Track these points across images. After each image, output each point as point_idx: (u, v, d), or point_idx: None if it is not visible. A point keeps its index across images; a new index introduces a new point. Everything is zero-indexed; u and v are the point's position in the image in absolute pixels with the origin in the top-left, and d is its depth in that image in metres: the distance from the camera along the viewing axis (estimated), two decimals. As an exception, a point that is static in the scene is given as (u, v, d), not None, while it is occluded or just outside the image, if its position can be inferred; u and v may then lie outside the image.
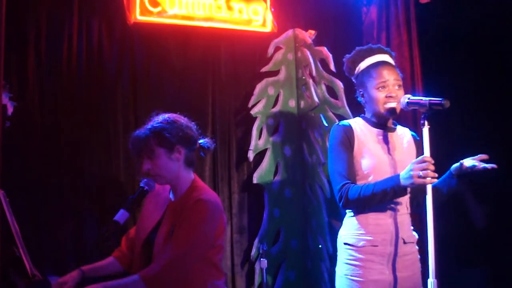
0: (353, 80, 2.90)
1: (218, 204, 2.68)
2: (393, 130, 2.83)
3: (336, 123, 2.86)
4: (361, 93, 2.82)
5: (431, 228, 2.36)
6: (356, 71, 2.84)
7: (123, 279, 2.52)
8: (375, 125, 2.79)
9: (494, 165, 2.59)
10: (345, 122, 2.83)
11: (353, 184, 2.64)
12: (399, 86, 2.71)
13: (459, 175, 2.68)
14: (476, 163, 2.61)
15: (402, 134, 2.87)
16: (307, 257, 4.24)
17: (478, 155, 2.64)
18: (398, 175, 2.48)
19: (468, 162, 2.64)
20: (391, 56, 2.86)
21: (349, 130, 2.75)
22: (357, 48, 2.89)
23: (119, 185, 3.78)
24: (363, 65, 2.81)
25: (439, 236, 2.40)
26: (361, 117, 2.87)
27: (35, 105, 3.59)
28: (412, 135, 2.92)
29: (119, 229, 2.51)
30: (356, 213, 2.73)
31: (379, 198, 2.56)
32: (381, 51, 2.84)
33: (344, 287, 2.72)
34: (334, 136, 2.76)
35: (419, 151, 2.84)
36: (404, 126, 2.96)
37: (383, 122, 2.79)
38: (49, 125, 3.62)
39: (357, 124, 2.80)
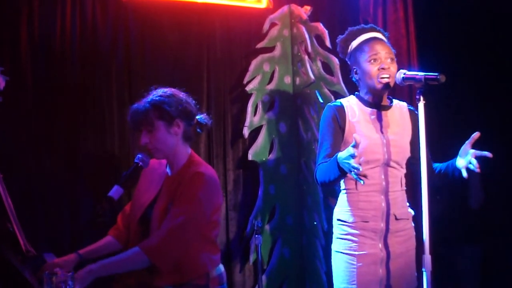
0: (347, 61, 2.92)
1: (215, 179, 2.69)
2: (388, 107, 2.82)
3: (329, 103, 2.87)
4: (355, 70, 2.82)
5: (426, 205, 2.37)
6: (349, 50, 2.86)
7: (123, 253, 2.53)
8: (369, 104, 2.79)
9: (488, 154, 2.56)
10: (337, 101, 2.84)
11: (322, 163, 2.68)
12: (392, 59, 2.71)
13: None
14: (472, 159, 2.57)
15: (398, 110, 2.85)
16: (302, 233, 4.26)
17: (471, 137, 2.61)
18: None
19: (462, 162, 2.62)
20: (383, 35, 2.87)
21: (340, 110, 2.76)
22: (350, 28, 2.90)
23: (114, 162, 3.77)
24: (355, 42, 2.83)
25: (433, 213, 2.41)
26: (355, 95, 2.86)
27: (28, 81, 3.55)
28: (410, 109, 2.91)
29: (114, 205, 2.51)
30: (348, 190, 2.77)
31: (335, 180, 2.61)
32: (373, 30, 2.86)
33: (339, 262, 2.77)
34: (325, 116, 2.79)
35: (416, 125, 2.84)
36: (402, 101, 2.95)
37: (377, 100, 2.78)
38: (42, 101, 3.58)
39: (350, 103, 2.80)
